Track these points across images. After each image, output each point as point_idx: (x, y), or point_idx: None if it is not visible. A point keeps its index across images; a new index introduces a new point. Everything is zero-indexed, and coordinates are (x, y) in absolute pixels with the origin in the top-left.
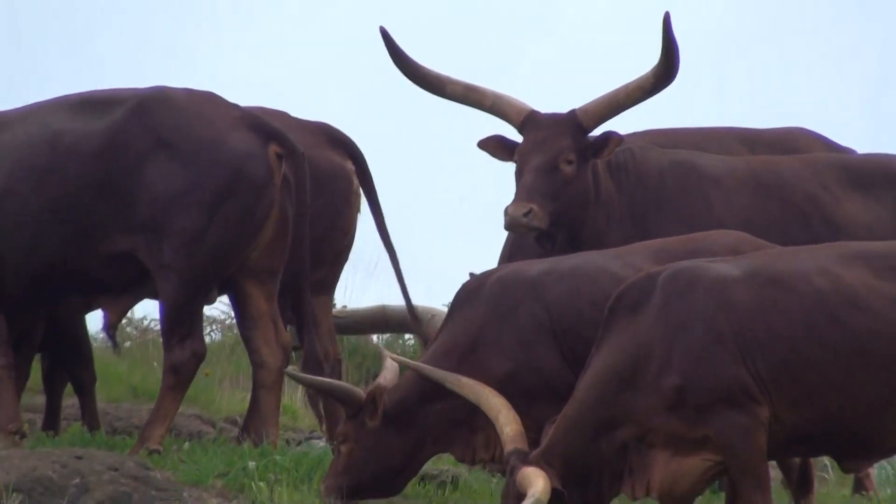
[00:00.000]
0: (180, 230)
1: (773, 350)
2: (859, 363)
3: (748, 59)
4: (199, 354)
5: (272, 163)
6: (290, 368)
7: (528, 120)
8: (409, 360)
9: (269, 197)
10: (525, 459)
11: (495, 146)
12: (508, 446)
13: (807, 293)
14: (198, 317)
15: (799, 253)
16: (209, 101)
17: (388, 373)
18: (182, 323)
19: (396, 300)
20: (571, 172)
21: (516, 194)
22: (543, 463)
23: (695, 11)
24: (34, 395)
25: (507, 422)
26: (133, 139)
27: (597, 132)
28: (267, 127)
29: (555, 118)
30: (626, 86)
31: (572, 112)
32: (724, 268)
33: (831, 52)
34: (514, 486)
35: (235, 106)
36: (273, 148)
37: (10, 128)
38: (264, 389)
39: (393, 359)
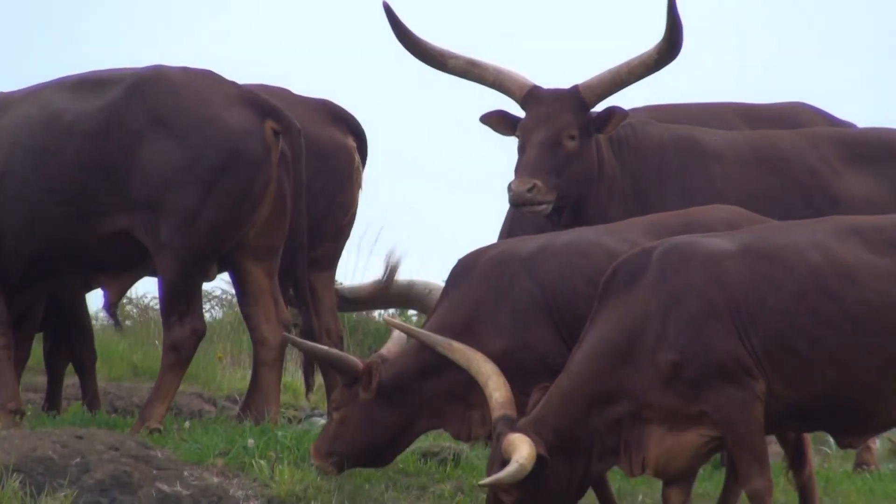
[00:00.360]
0: (177, 208)
1: (768, 324)
2: (853, 336)
3: (748, 34)
4: (199, 332)
5: (269, 139)
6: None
7: (530, 95)
8: (403, 324)
9: (266, 173)
10: (512, 426)
11: (497, 121)
12: (497, 412)
13: (800, 267)
14: (197, 294)
15: (793, 227)
16: (206, 79)
17: (393, 344)
18: (181, 300)
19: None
20: (574, 148)
21: (520, 168)
22: (531, 431)
23: None
24: (35, 375)
25: (496, 387)
26: (129, 118)
27: (599, 107)
28: (264, 103)
29: (557, 93)
30: (629, 62)
31: (575, 87)
32: (719, 242)
33: (831, 26)
34: (499, 452)
35: (232, 83)
36: (270, 124)
37: (11, 109)
38: (265, 367)
39: (389, 322)
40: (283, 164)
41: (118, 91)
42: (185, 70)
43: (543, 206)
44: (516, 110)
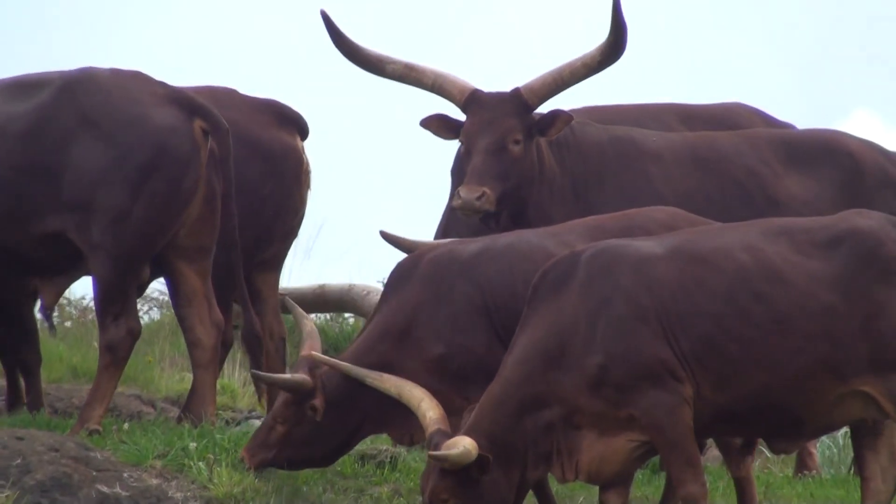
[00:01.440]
0: (107, 208)
1: (696, 326)
2: (781, 338)
3: (686, 34)
4: (135, 332)
5: (198, 138)
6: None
7: (471, 99)
8: (328, 358)
9: (195, 172)
10: (448, 437)
11: (438, 125)
12: (431, 427)
13: (729, 269)
14: (131, 295)
15: (724, 230)
16: (134, 79)
17: (313, 341)
18: (115, 301)
19: (334, 279)
20: (519, 152)
21: (469, 175)
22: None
23: None
24: None
25: (429, 407)
26: (59, 119)
27: (541, 108)
28: (192, 102)
29: (499, 97)
30: (572, 63)
31: (517, 90)
32: (647, 245)
33: (767, 27)
34: (434, 465)
35: (161, 83)
36: (198, 123)
37: None
38: (200, 368)
39: (314, 357)
40: (212, 163)
41: (48, 93)
42: (114, 71)
43: (487, 213)
44: (455, 113)
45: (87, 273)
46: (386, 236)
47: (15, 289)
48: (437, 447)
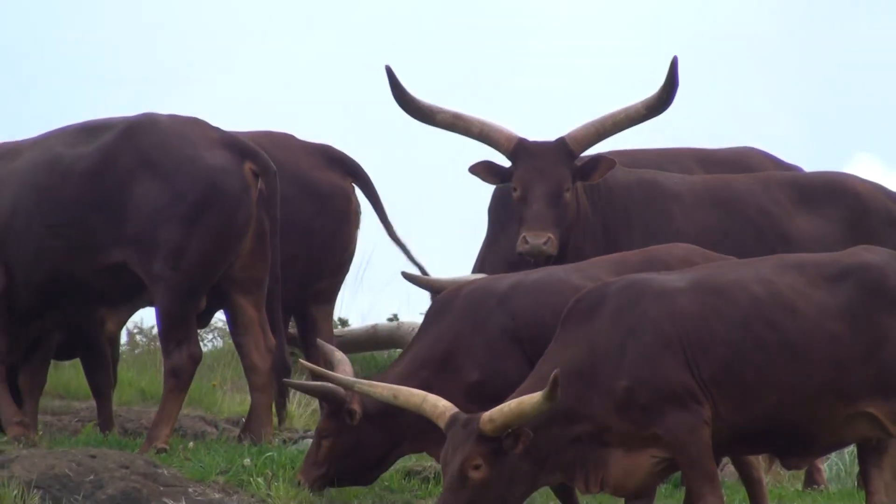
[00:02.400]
0: (165, 242)
1: (715, 353)
2: (793, 363)
3: (702, 84)
4: (196, 357)
5: (248, 179)
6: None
7: (520, 147)
8: (326, 371)
9: (246, 209)
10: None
11: (485, 171)
12: (448, 412)
13: (745, 300)
14: (191, 322)
15: (740, 265)
16: (190, 124)
17: (344, 366)
18: (177, 329)
19: (382, 316)
20: (571, 199)
21: (529, 222)
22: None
23: (652, 37)
24: (52, 399)
25: (434, 399)
26: (121, 159)
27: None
28: (243, 146)
29: (546, 146)
30: (614, 115)
31: (562, 139)
32: (671, 279)
33: (776, 77)
34: (466, 436)
35: (215, 128)
36: (248, 165)
37: (22, 154)
38: (256, 391)
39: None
40: (261, 201)
41: (112, 135)
42: (172, 117)
43: (551, 257)
44: (491, 156)
45: (149, 303)
46: (407, 276)
47: (85, 317)
48: (469, 421)
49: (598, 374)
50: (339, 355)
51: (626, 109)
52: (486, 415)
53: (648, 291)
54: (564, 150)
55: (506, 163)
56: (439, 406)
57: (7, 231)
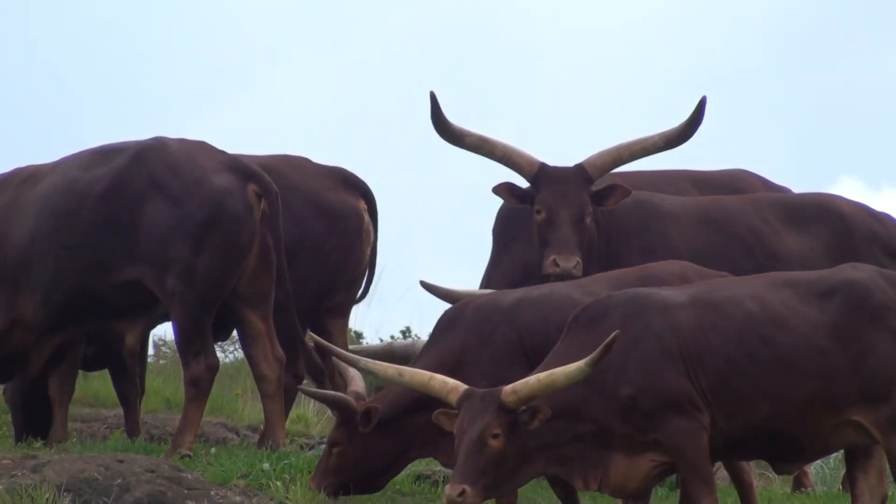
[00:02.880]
0: (175, 260)
1: (712, 365)
2: (784, 375)
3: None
4: (213, 367)
5: (251, 199)
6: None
7: (542, 172)
8: (332, 346)
9: (250, 229)
10: (492, 388)
11: (507, 192)
12: (459, 388)
13: (740, 316)
14: (207, 334)
15: (736, 281)
16: (197, 148)
17: (358, 381)
18: (193, 341)
19: (395, 328)
20: (591, 224)
21: (558, 246)
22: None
23: (650, 63)
24: (82, 407)
25: (443, 378)
26: (132, 182)
27: None
28: (247, 169)
29: (568, 171)
30: (631, 144)
31: (581, 166)
32: (671, 294)
33: (766, 103)
34: (485, 406)
35: (221, 151)
36: (252, 187)
37: (42, 179)
38: (267, 399)
39: (316, 340)
40: (264, 220)
41: (124, 159)
42: (181, 141)
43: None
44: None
45: (163, 317)
46: (425, 285)
47: (105, 331)
48: (487, 394)
49: (603, 380)
50: (352, 371)
51: (643, 140)
52: (509, 387)
53: (651, 305)
54: (584, 175)
55: (523, 183)
56: (448, 383)
57: (28, 252)
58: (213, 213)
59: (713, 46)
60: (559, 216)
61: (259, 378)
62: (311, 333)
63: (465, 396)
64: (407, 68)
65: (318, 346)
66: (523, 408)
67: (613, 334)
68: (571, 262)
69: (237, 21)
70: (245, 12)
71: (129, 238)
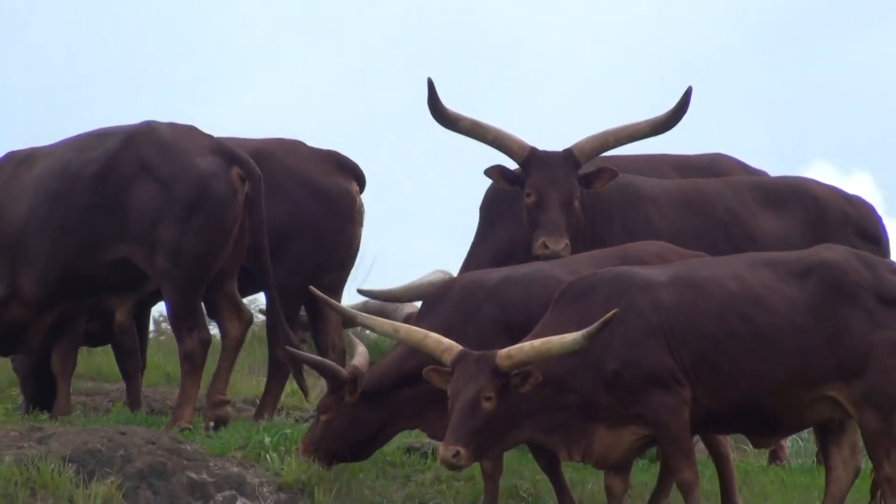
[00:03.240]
0: (163, 240)
1: (693, 342)
2: (763, 352)
3: (678, 94)
4: (206, 341)
5: (235, 182)
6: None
7: (532, 156)
8: (330, 300)
9: (233, 210)
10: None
11: (498, 174)
12: (454, 348)
13: (720, 295)
14: (198, 310)
15: (715, 261)
16: (185, 132)
17: (361, 357)
18: (185, 318)
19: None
20: (579, 207)
21: (548, 228)
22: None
23: (631, 57)
24: (86, 381)
25: (438, 337)
26: (122, 165)
27: None
28: (231, 153)
29: (556, 156)
30: (618, 131)
31: (570, 151)
32: (653, 273)
33: (744, 90)
34: (480, 370)
35: (208, 136)
36: (236, 170)
37: (38, 161)
38: (226, 352)
39: (315, 294)
40: (247, 202)
41: (115, 142)
42: (170, 125)
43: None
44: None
45: (150, 293)
46: (361, 292)
47: (99, 308)
48: (484, 356)
49: (589, 353)
50: (360, 348)
51: (630, 127)
52: (504, 351)
53: (634, 283)
54: (573, 160)
55: (512, 165)
56: (443, 342)
57: (25, 230)
58: (198, 195)
59: (693, 38)
60: (549, 199)
61: (224, 335)
62: (313, 288)
63: (460, 358)
64: (402, 61)
65: (313, 313)
66: (515, 372)
67: (613, 312)
68: (560, 245)
69: (239, 16)
70: (247, 8)
71: (119, 218)
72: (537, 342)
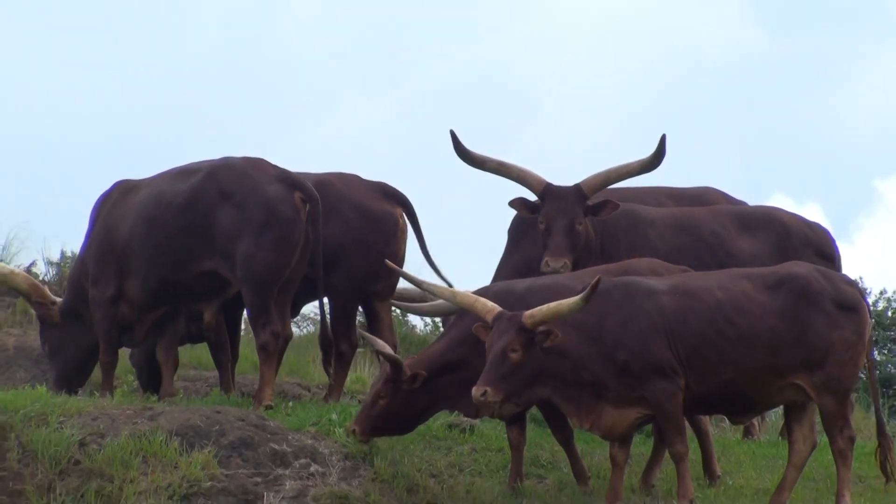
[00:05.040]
0: (241, 254)
1: (688, 339)
2: (743, 348)
3: (671, 136)
4: (277, 333)
5: (298, 205)
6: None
7: (546, 191)
8: (402, 271)
9: (298, 228)
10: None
11: (521, 205)
12: (494, 311)
13: (709, 302)
14: (270, 309)
15: (705, 275)
16: (256, 164)
17: (384, 347)
18: (260, 316)
19: None
20: (583, 231)
21: (552, 250)
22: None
23: (629, 106)
24: (188, 370)
25: (484, 301)
26: (206, 194)
27: None
28: (294, 180)
29: (566, 190)
30: (618, 169)
31: (578, 186)
32: (656, 283)
33: (727, 137)
34: (510, 327)
35: (275, 167)
36: (297, 195)
37: (139, 191)
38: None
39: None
40: (307, 221)
41: (199, 176)
42: (244, 159)
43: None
44: (517, 193)
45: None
46: (395, 304)
47: (190, 313)
48: (513, 315)
49: (604, 343)
50: (379, 342)
51: (626, 165)
52: (528, 312)
53: (641, 290)
54: (580, 193)
55: (532, 197)
56: (488, 305)
57: (129, 246)
58: (268, 216)
59: (683, 92)
60: (555, 227)
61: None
62: (388, 262)
63: (497, 317)
64: (445, 108)
65: (369, 315)
66: (541, 329)
67: (596, 278)
68: (559, 263)
69: (311, 69)
70: (316, 64)
71: (206, 238)
72: (552, 304)
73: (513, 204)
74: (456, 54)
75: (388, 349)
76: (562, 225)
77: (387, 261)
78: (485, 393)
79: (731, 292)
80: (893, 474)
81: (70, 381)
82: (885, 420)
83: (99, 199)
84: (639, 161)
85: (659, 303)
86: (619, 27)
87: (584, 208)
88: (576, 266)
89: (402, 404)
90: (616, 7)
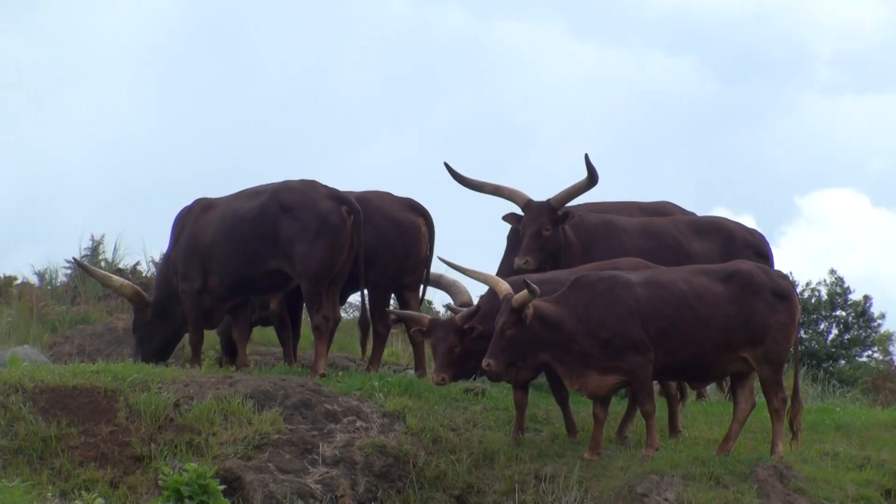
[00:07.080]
0: (300, 254)
1: (658, 322)
2: (702, 330)
3: (637, 160)
4: (328, 317)
5: (344, 215)
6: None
7: (526, 205)
8: (444, 259)
9: (344, 235)
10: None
11: (512, 218)
12: (506, 291)
13: (675, 292)
14: (322, 297)
15: (670, 270)
16: (311, 185)
17: (465, 294)
18: (314, 303)
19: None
20: (549, 235)
21: (521, 250)
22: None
23: (604, 137)
24: (259, 346)
25: (505, 284)
26: (271, 209)
27: None
28: (341, 196)
29: (539, 204)
30: (574, 187)
31: (548, 201)
32: (632, 276)
33: (680, 163)
34: (507, 308)
35: (325, 186)
36: (344, 208)
37: (218, 207)
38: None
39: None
40: (352, 229)
41: (266, 195)
42: (301, 181)
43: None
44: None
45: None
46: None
47: (259, 302)
48: (509, 297)
49: (590, 323)
50: (461, 286)
51: (578, 183)
52: (515, 296)
53: (620, 282)
54: (549, 207)
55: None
56: (504, 286)
57: (210, 251)
58: (320, 224)
59: (649, 128)
60: (525, 232)
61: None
62: (441, 257)
63: (504, 298)
64: (456, 140)
65: (401, 302)
66: (523, 310)
67: (526, 282)
68: (521, 261)
69: (356, 105)
70: (361, 98)
71: (272, 243)
72: (522, 292)
73: (506, 218)
74: (468, 97)
75: (423, 315)
76: (531, 231)
77: (440, 256)
78: (488, 364)
79: (692, 284)
80: (797, 434)
81: (147, 361)
82: (800, 386)
83: (181, 212)
84: (582, 180)
85: (635, 292)
86: (600, 76)
87: (552, 218)
88: (557, 265)
89: (468, 352)
90: (597, 61)
